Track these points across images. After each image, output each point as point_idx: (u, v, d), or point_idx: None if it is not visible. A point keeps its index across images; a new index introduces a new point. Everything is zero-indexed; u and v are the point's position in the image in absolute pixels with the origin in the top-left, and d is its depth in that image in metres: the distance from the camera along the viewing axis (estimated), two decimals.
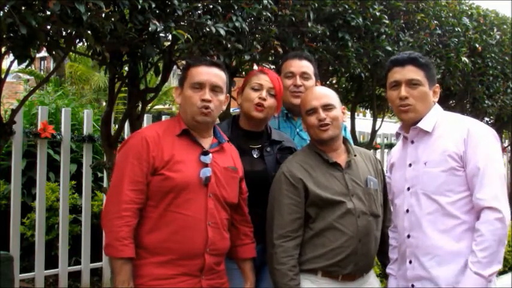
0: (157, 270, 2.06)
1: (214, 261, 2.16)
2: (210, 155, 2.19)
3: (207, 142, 2.24)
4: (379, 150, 7.64)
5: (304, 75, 2.73)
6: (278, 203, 2.28)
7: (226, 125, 2.56)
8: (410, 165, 2.25)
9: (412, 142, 2.27)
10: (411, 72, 2.22)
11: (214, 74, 2.21)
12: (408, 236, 2.20)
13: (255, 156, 2.49)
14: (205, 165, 2.16)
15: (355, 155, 2.37)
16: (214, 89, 2.19)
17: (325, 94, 2.36)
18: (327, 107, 2.31)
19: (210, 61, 2.28)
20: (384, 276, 2.68)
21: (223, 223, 2.20)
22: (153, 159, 2.09)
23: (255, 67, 3.73)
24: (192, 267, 2.10)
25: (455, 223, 2.10)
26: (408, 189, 2.23)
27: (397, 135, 2.41)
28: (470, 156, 2.10)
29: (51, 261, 4.38)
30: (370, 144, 5.76)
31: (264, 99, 2.44)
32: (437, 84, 2.30)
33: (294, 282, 2.21)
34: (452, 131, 2.19)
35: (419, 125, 2.23)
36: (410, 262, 2.20)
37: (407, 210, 2.21)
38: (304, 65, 2.76)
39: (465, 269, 2.05)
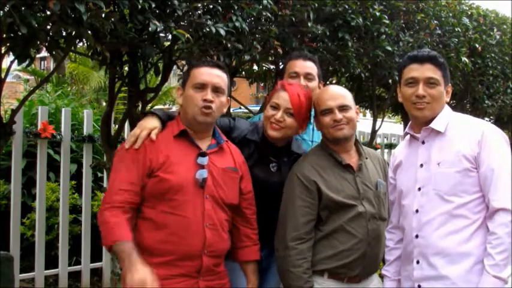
0: (154, 271, 2.04)
1: (213, 262, 2.15)
2: (207, 156, 2.18)
3: (205, 143, 2.23)
4: (379, 150, 7.65)
5: (308, 76, 2.72)
6: (291, 205, 2.26)
7: (255, 129, 2.49)
8: (421, 165, 2.23)
9: (423, 142, 2.26)
10: (430, 71, 2.19)
11: (217, 75, 2.21)
12: (416, 236, 2.19)
13: (272, 170, 2.46)
14: (202, 166, 2.15)
15: (366, 158, 2.36)
16: (216, 90, 2.19)
17: (341, 94, 2.34)
18: (343, 108, 2.28)
19: (212, 62, 2.28)
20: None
21: (222, 224, 2.19)
22: (149, 161, 2.09)
23: (255, 66, 3.74)
24: (190, 268, 2.10)
25: (465, 223, 2.10)
26: (419, 189, 2.21)
27: (405, 134, 2.39)
28: (484, 158, 2.09)
29: (51, 261, 4.38)
30: (370, 144, 5.77)
31: (280, 121, 2.36)
32: (449, 84, 2.30)
33: (309, 285, 2.20)
34: (465, 132, 2.17)
35: (432, 125, 2.21)
36: (417, 262, 2.18)
37: (417, 210, 2.21)
38: (309, 66, 2.75)
39: (474, 268, 2.05)
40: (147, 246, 2.08)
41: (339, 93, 2.34)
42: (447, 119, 2.23)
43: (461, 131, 2.18)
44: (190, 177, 2.12)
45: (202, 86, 2.17)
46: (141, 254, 2.06)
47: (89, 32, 2.51)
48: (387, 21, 4.34)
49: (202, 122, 2.18)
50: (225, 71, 2.27)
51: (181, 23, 2.90)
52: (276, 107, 2.38)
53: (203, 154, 2.18)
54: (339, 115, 2.26)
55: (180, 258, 2.08)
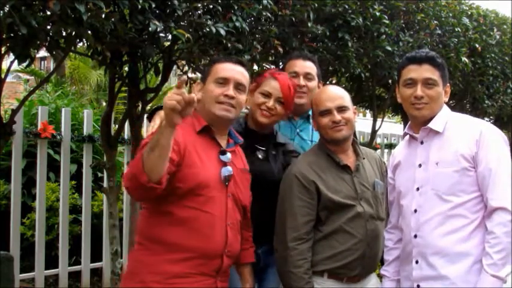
0: (173, 268, 1.98)
1: (229, 263, 2.12)
2: (229, 154, 2.14)
3: (223, 141, 2.19)
4: (379, 150, 7.65)
5: (307, 76, 2.73)
6: (290, 205, 2.26)
7: (237, 123, 2.53)
8: (420, 165, 2.24)
9: (422, 143, 2.26)
10: (428, 72, 2.19)
11: (240, 72, 2.17)
12: (415, 236, 2.19)
13: (260, 157, 2.49)
14: (225, 164, 2.11)
15: (363, 158, 2.36)
16: (238, 86, 2.15)
17: (340, 95, 2.34)
18: (341, 109, 2.29)
19: (236, 59, 2.25)
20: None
21: (238, 225, 2.16)
22: (180, 144, 1.98)
23: (255, 66, 3.75)
24: (210, 267, 2.04)
25: (464, 223, 2.10)
26: (418, 189, 2.22)
27: (405, 135, 2.40)
28: (481, 157, 2.09)
29: (51, 261, 4.38)
30: (370, 144, 5.77)
31: (271, 109, 2.45)
32: (448, 84, 2.30)
33: (309, 286, 2.19)
34: (463, 131, 2.18)
35: (430, 125, 2.21)
36: (416, 262, 2.18)
37: (415, 210, 2.21)
38: (308, 66, 2.76)
39: (473, 268, 2.06)
40: (168, 241, 1.99)
41: (337, 94, 2.34)
42: (445, 118, 2.23)
43: (459, 131, 2.18)
44: (216, 174, 2.07)
45: (224, 81, 2.13)
46: (159, 249, 1.99)
47: (89, 32, 2.51)
48: (387, 21, 4.34)
49: (222, 118, 2.12)
50: (247, 68, 2.24)
51: (181, 23, 2.91)
52: (268, 95, 2.46)
53: (224, 152, 2.13)
54: (337, 116, 2.26)
55: (202, 256, 2.01)
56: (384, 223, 2.36)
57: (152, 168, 1.78)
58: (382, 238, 2.34)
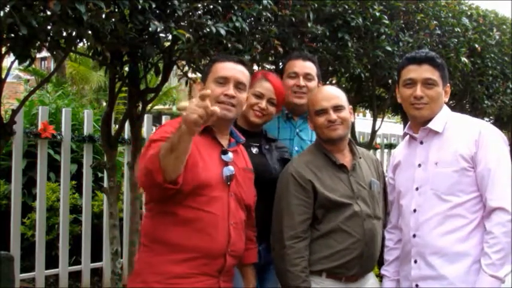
0: (175, 268, 1.98)
1: (233, 263, 2.12)
2: (230, 154, 2.14)
3: (224, 141, 2.19)
4: (378, 150, 7.65)
5: (307, 76, 2.74)
6: (287, 204, 2.27)
7: None
8: (419, 165, 2.25)
9: (421, 143, 2.27)
10: (428, 72, 2.20)
11: (240, 71, 2.17)
12: (414, 236, 2.20)
13: (254, 152, 2.51)
14: (226, 163, 2.12)
15: (359, 158, 2.37)
16: (238, 85, 2.15)
17: (336, 95, 2.35)
18: (337, 108, 2.30)
19: (236, 58, 2.25)
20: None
21: (242, 224, 2.16)
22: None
23: (255, 67, 3.76)
24: (213, 267, 2.04)
25: (463, 223, 2.11)
26: (417, 189, 2.23)
27: (404, 135, 2.40)
28: (481, 158, 2.10)
29: (52, 261, 4.39)
30: (370, 145, 5.77)
31: (264, 109, 2.52)
32: (448, 84, 2.30)
33: (306, 284, 2.19)
34: (463, 131, 2.18)
35: (430, 125, 2.22)
36: (415, 262, 2.19)
37: (415, 210, 2.21)
38: (308, 66, 2.77)
39: (472, 268, 2.06)
40: (170, 241, 1.99)
41: (333, 94, 2.35)
42: (445, 119, 2.23)
43: (458, 131, 2.19)
44: (218, 174, 2.07)
45: (224, 81, 2.13)
46: (160, 249, 1.99)
47: (89, 32, 2.52)
48: (387, 22, 4.34)
49: (222, 117, 2.10)
50: (248, 67, 2.24)
51: (182, 23, 2.91)
52: (260, 96, 2.53)
53: (226, 151, 2.13)
54: (333, 115, 2.27)
55: (204, 256, 2.00)
56: (381, 222, 2.36)
57: (169, 168, 1.81)
58: (379, 237, 2.35)
